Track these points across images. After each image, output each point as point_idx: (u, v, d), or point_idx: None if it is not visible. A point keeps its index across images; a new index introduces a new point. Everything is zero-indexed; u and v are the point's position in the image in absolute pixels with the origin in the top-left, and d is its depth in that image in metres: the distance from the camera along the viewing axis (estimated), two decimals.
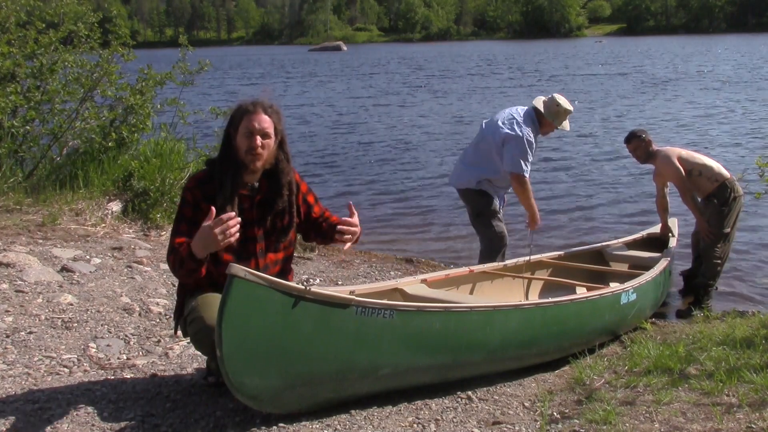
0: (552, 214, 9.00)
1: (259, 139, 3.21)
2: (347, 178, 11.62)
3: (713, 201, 5.65)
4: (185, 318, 3.26)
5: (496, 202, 5.56)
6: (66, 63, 7.53)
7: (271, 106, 3.29)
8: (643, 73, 32.42)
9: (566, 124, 5.48)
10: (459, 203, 9.36)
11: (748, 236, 7.84)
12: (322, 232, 3.52)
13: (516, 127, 5.37)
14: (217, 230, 2.91)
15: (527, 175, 5.35)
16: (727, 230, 5.67)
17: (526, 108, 5.57)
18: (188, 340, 3.51)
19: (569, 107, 5.41)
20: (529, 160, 5.34)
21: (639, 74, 31.64)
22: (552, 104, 5.41)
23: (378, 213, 9.40)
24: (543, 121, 5.44)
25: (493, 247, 5.53)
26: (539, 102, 5.49)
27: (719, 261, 5.69)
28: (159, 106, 8.02)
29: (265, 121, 3.23)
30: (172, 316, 3.67)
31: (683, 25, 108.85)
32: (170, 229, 3.38)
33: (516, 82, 29.41)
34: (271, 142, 3.26)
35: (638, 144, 5.79)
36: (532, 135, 5.36)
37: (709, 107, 19.28)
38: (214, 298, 3.15)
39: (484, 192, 5.53)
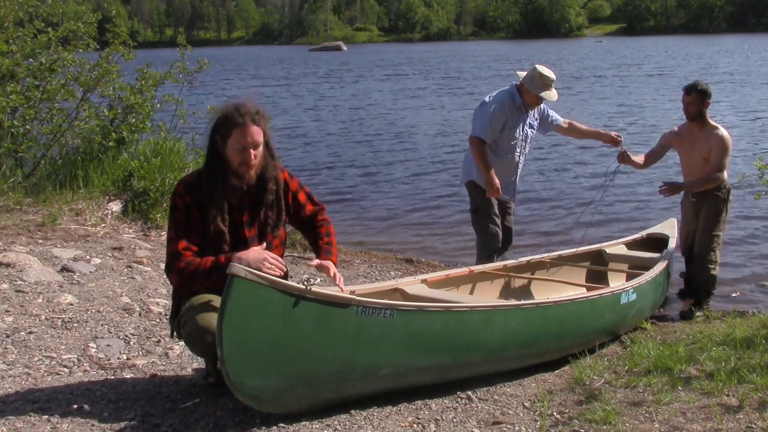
0: (553, 214, 9.00)
1: (252, 153, 3.21)
2: (348, 177, 11.62)
3: (717, 195, 5.45)
4: (179, 320, 3.27)
5: (494, 200, 5.54)
6: (65, 62, 7.53)
7: (257, 112, 3.26)
8: (670, 74, 31.59)
9: (551, 94, 5.39)
10: (460, 203, 9.40)
11: (749, 236, 7.85)
12: (311, 240, 3.59)
13: (485, 99, 5.48)
14: (267, 261, 3.06)
15: (481, 136, 5.29)
16: (720, 233, 5.49)
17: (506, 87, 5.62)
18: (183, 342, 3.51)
19: (550, 75, 5.36)
20: (488, 124, 5.29)
21: (668, 76, 30.90)
22: (532, 73, 5.39)
23: (378, 212, 9.40)
24: (523, 90, 5.40)
25: (483, 246, 5.54)
26: (521, 74, 5.51)
27: (713, 266, 5.51)
28: (159, 105, 8.02)
29: (257, 133, 3.22)
30: (168, 319, 3.67)
31: (683, 25, 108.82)
32: (167, 228, 3.37)
33: (563, 84, 28.39)
34: (262, 148, 3.27)
35: (699, 99, 5.38)
36: (502, 105, 5.35)
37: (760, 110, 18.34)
38: (208, 300, 3.17)
39: (480, 187, 5.49)
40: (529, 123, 5.56)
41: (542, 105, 5.63)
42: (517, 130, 5.45)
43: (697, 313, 5.35)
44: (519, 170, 5.66)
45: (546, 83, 5.32)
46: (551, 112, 5.76)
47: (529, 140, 5.61)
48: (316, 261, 3.38)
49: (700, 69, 33.62)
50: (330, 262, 3.39)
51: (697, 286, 5.65)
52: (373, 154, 13.77)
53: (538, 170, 11.63)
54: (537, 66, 5.42)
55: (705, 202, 5.50)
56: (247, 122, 3.20)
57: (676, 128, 5.76)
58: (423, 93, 26.02)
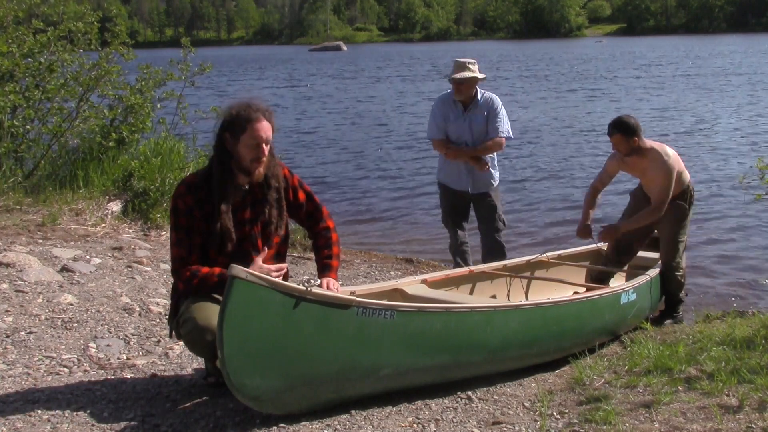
0: (552, 214, 9.00)
1: (265, 148, 3.26)
2: (349, 178, 11.62)
3: (680, 203, 5.14)
4: (178, 319, 3.28)
5: (454, 201, 5.78)
6: (64, 62, 7.52)
7: (267, 109, 3.32)
8: (701, 75, 31.07)
9: (464, 74, 5.53)
10: None
11: (749, 236, 7.85)
12: (313, 249, 3.64)
13: None
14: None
15: (430, 136, 5.83)
16: (683, 239, 5.24)
17: None
18: (182, 342, 3.52)
19: (460, 59, 5.65)
20: (431, 122, 5.78)
21: (684, 75, 30.61)
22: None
23: (378, 212, 9.40)
24: (451, 82, 5.67)
25: (451, 248, 5.81)
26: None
27: (680, 273, 5.26)
28: (159, 106, 8.01)
29: (269, 129, 3.28)
30: (167, 319, 3.68)
31: (683, 25, 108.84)
32: (170, 229, 3.39)
33: (570, 85, 27.57)
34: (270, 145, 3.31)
35: (623, 138, 4.95)
36: (438, 102, 5.78)
37: None
38: (207, 299, 3.19)
39: (441, 187, 5.89)
40: (470, 117, 5.59)
41: (497, 107, 5.61)
42: (458, 123, 5.62)
43: (667, 321, 5.21)
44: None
45: (457, 67, 5.59)
46: (499, 122, 5.60)
47: (475, 133, 5.58)
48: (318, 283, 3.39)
49: (711, 66, 33.46)
50: (328, 280, 3.40)
51: (668, 297, 5.37)
52: (376, 155, 13.77)
53: (539, 171, 11.63)
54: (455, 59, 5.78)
55: (674, 206, 5.13)
56: (260, 117, 3.26)
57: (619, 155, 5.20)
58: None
